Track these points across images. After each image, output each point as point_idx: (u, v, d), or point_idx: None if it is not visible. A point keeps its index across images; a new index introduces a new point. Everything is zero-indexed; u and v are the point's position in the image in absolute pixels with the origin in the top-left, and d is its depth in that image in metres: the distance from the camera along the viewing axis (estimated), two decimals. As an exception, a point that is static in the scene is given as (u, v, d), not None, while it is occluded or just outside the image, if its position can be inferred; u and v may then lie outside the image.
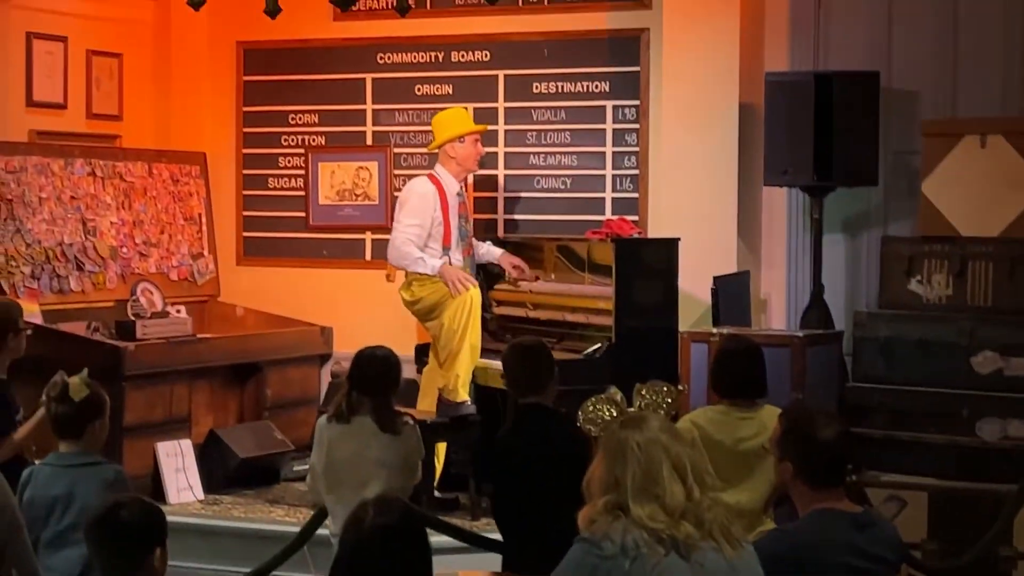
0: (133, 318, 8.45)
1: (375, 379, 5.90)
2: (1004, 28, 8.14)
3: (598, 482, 3.54)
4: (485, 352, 7.89)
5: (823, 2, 8.50)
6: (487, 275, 8.42)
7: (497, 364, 7.38)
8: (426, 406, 7.90)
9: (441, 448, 7.85)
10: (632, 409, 3.67)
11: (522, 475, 5.39)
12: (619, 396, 3.69)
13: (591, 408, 3.70)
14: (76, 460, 4.99)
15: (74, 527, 4.76)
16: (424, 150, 9.03)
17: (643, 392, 3.78)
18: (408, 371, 7.93)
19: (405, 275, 8.03)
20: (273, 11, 4.94)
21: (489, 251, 8.34)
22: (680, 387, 4.23)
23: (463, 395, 7.71)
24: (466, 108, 8.54)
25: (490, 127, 8.78)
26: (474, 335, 7.73)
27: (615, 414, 3.62)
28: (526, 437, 5.48)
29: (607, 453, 3.54)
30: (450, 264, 7.90)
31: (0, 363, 6.25)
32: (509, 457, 5.48)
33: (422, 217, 7.95)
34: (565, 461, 5.09)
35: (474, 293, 7.77)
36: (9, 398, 6.16)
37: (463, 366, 7.70)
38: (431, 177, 8.13)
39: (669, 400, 3.79)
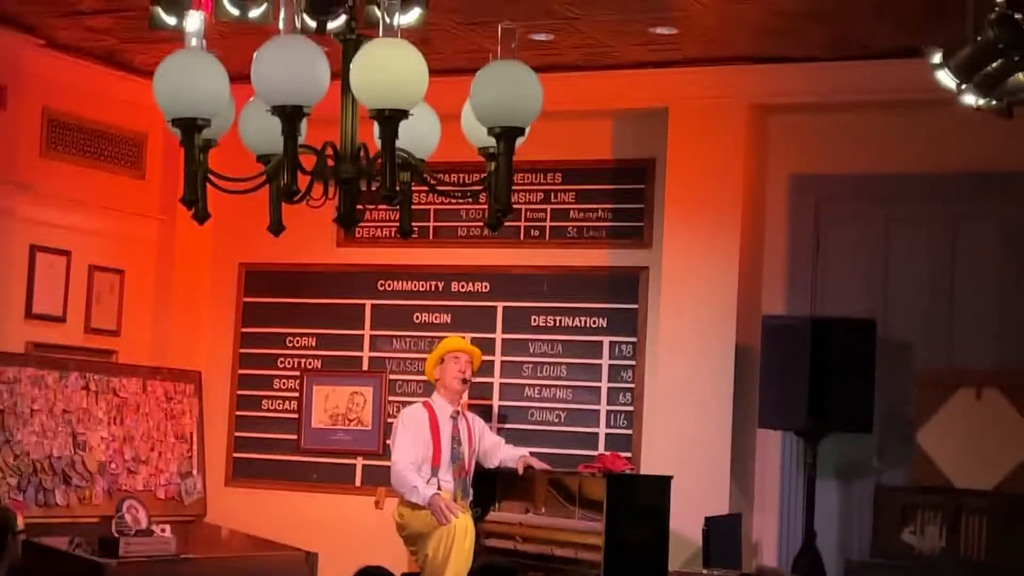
0: (117, 535, 8.34)
1: None
2: (1000, 282, 8.20)
3: None
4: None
5: (821, 248, 8.59)
6: (480, 504, 8.32)
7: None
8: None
9: None
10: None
11: None
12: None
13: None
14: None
15: None
16: (420, 378, 9.03)
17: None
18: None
19: (399, 499, 7.97)
20: (277, 229, 4.95)
21: (510, 454, 8.26)
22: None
23: (447, 628, 7.58)
24: (464, 337, 8.54)
25: (486, 358, 8.79)
26: (458, 564, 7.63)
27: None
28: None
29: None
30: (439, 488, 7.84)
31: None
32: None
33: (416, 437, 7.93)
34: None
35: (460, 523, 7.68)
36: None
37: (447, 594, 7.59)
38: (425, 403, 8.14)
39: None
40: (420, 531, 7.77)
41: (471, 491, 8.16)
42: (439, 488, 7.87)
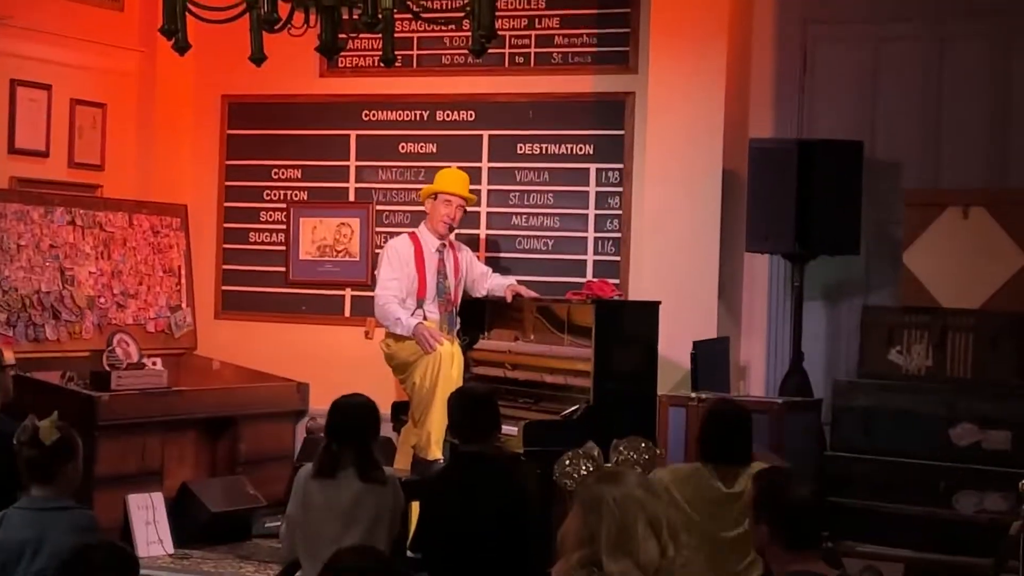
0: (108, 368, 8.40)
1: (354, 427, 5.82)
2: (988, 101, 8.17)
3: (573, 536, 3.50)
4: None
5: (808, 71, 8.53)
6: (469, 334, 8.38)
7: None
8: (403, 464, 7.84)
9: (414, 507, 7.77)
10: (609, 465, 3.64)
11: (450, 518, 5.35)
12: (596, 451, 3.66)
13: (568, 462, 3.66)
14: (47, 504, 4.91)
15: (44, 572, 4.68)
16: (406, 208, 9.04)
17: (621, 448, 3.75)
18: (385, 430, 7.89)
19: (385, 331, 8.02)
20: (258, 59, 4.91)
21: (497, 283, 8.30)
22: (658, 450, 4.18)
23: (436, 453, 7.65)
24: (459, 169, 8.48)
25: (472, 187, 8.77)
26: (445, 391, 7.68)
27: (592, 469, 3.58)
28: (456, 481, 5.44)
29: (583, 507, 3.51)
30: (424, 320, 7.88)
31: None
32: (435, 500, 5.44)
33: (399, 271, 7.96)
34: (499, 514, 5.02)
35: (445, 350, 7.72)
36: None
37: (435, 424, 7.65)
38: (411, 234, 8.14)
39: (646, 457, 3.75)
40: (407, 360, 7.82)
41: (458, 321, 8.21)
42: (424, 319, 7.91)
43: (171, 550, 8.03)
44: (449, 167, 8.43)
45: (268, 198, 9.69)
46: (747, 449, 5.73)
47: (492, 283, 8.32)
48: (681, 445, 7.02)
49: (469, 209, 8.45)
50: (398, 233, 8.48)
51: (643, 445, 3.76)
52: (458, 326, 8.19)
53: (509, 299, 8.15)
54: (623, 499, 3.47)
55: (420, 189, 8.48)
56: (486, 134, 9.16)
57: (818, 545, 4.21)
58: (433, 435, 7.66)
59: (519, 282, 8.30)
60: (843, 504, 7.01)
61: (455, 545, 5.38)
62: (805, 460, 7.10)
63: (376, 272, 8.20)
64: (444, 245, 8.14)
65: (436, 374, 7.67)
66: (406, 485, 7.38)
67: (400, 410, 8.09)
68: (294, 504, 5.88)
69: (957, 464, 7.08)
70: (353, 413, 5.86)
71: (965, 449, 7.12)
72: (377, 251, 8.96)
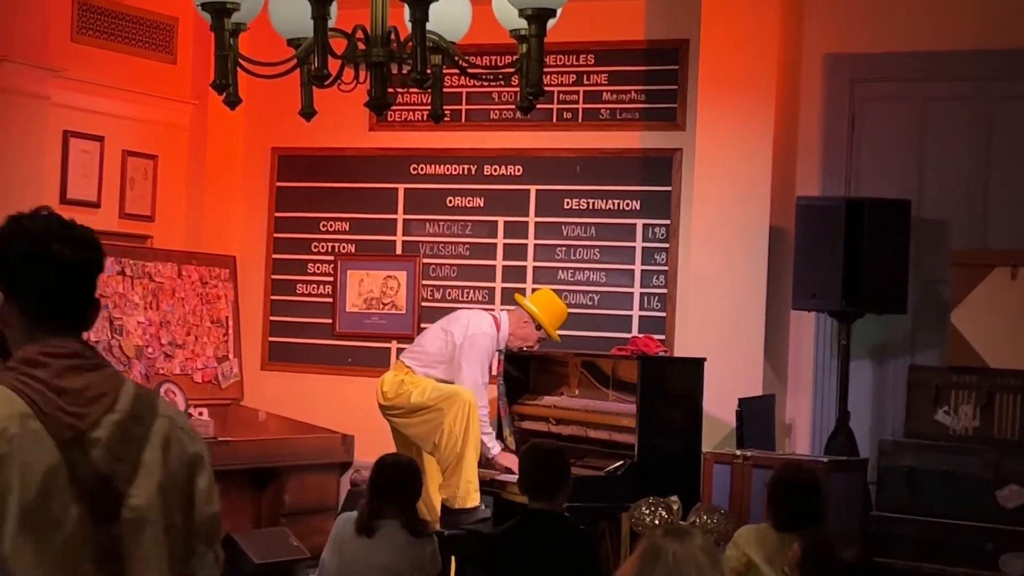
0: (155, 418, 8.41)
1: (398, 486, 5.84)
2: (1037, 161, 8.16)
3: (625, 579, 3.50)
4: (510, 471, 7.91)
5: (856, 129, 8.52)
6: (508, 387, 8.38)
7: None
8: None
9: (452, 562, 7.77)
10: (683, 523, 3.62)
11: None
12: (676, 506, 3.65)
13: (644, 508, 3.65)
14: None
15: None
16: (453, 261, 9.08)
17: (700, 510, 3.74)
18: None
19: (405, 372, 8.03)
20: (308, 113, 4.95)
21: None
22: (732, 525, 4.15)
23: (475, 500, 7.64)
24: (495, 221, 8.50)
25: (519, 241, 8.84)
26: (475, 438, 7.70)
27: (665, 519, 3.57)
28: (525, 540, 5.42)
29: (641, 555, 3.50)
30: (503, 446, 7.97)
31: None
32: (506, 554, 5.41)
33: (486, 366, 7.99)
34: (566, 572, 5.01)
35: (469, 396, 7.73)
36: None
37: (470, 470, 7.64)
38: (495, 320, 8.14)
39: (722, 527, 3.74)
40: (421, 403, 7.81)
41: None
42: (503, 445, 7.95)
43: (214, 601, 8.03)
44: (556, 299, 8.28)
45: (316, 250, 9.75)
46: (818, 515, 5.60)
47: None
48: (726, 502, 6.98)
49: (516, 264, 8.46)
50: (444, 287, 8.49)
51: (722, 512, 3.75)
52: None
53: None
54: (683, 557, 3.45)
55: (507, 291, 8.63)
56: (533, 189, 9.19)
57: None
58: (472, 482, 7.65)
59: (564, 337, 8.29)
60: (888, 565, 6.96)
61: None
62: (850, 520, 7.07)
63: (460, 339, 7.99)
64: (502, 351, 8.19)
65: (467, 420, 7.66)
66: (446, 540, 7.41)
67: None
68: (329, 551, 5.89)
69: (1004, 526, 7.02)
70: (399, 472, 5.88)
71: (1012, 511, 7.06)
72: (424, 304, 9.01)
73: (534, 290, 9.06)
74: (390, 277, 9.49)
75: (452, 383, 7.88)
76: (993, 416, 7.34)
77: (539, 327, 8.06)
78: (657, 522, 3.73)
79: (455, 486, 7.67)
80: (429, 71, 4.80)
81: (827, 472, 6.97)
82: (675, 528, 3.60)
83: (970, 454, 7.23)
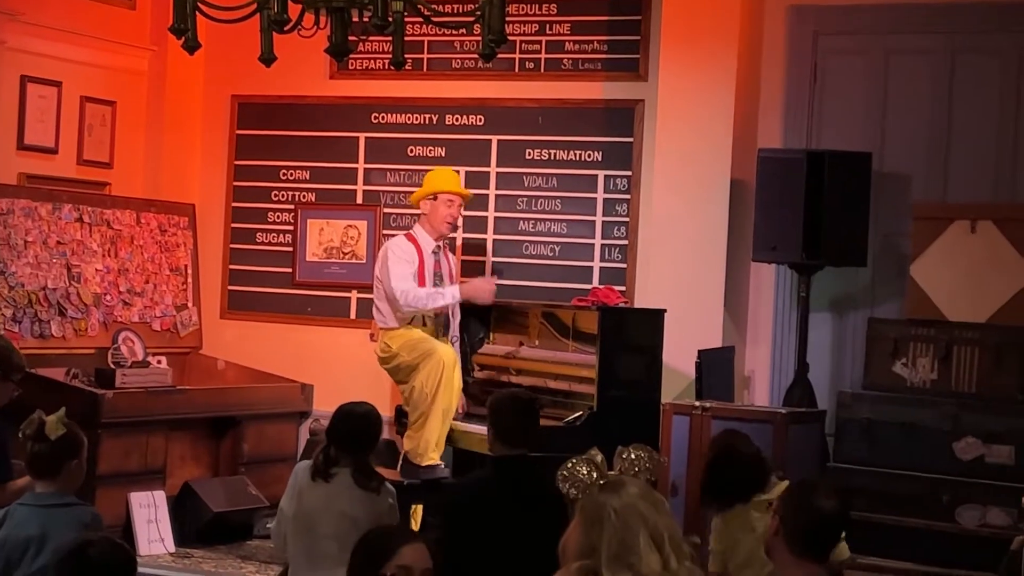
0: (113, 366, 8.40)
1: (354, 435, 5.84)
2: (997, 115, 8.16)
3: (574, 546, 3.47)
4: (468, 416, 7.89)
5: (818, 82, 8.52)
6: (471, 338, 8.38)
7: (477, 429, 7.35)
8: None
9: (417, 511, 7.78)
10: (612, 472, 3.60)
11: (489, 524, 5.32)
12: (599, 458, 3.63)
13: (570, 467, 3.63)
14: (51, 500, 4.91)
15: (47, 568, 4.67)
16: (414, 211, 9.04)
17: (624, 455, 3.72)
18: (387, 432, 7.90)
19: (381, 331, 7.99)
20: (268, 59, 4.91)
21: None
22: (662, 459, 4.15)
23: (434, 458, 7.65)
24: (457, 171, 8.51)
25: (480, 191, 8.80)
26: (446, 398, 7.66)
27: (594, 476, 3.54)
28: (503, 487, 5.43)
29: (584, 517, 3.48)
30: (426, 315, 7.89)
31: None
32: (481, 502, 5.41)
33: (410, 267, 7.92)
34: (539, 520, 4.99)
35: (448, 355, 7.71)
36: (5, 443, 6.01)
37: (433, 430, 7.64)
38: (408, 235, 8.11)
39: (650, 465, 3.71)
40: (409, 363, 7.78)
41: (452, 324, 8.17)
42: (423, 323, 7.90)
43: (172, 549, 8.03)
44: (438, 168, 8.40)
45: (276, 199, 9.70)
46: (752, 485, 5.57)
47: None
48: (684, 453, 7.00)
49: (477, 214, 8.44)
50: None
51: (646, 454, 3.73)
52: (453, 331, 8.16)
53: None
54: (624, 510, 3.43)
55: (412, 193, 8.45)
56: (495, 139, 9.15)
57: (825, 558, 4.20)
58: (432, 440, 7.65)
59: (525, 287, 8.28)
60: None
61: (492, 544, 5.32)
62: (808, 471, 7.09)
63: (377, 272, 8.13)
64: (439, 247, 8.12)
65: (439, 379, 7.64)
66: (409, 489, 7.41)
67: (403, 414, 8.08)
68: (287, 498, 5.89)
69: (960, 478, 7.09)
70: (355, 421, 5.87)
71: (968, 463, 7.12)
72: (383, 253, 8.99)
73: (494, 241, 9.06)
74: (350, 226, 9.45)
75: (406, 327, 7.85)
76: (951, 369, 7.39)
77: (436, 197, 8.04)
78: (585, 477, 3.67)
79: (417, 440, 7.67)
80: (390, 18, 4.76)
81: (785, 424, 6.99)
82: (609, 482, 3.55)
83: (928, 406, 7.28)
